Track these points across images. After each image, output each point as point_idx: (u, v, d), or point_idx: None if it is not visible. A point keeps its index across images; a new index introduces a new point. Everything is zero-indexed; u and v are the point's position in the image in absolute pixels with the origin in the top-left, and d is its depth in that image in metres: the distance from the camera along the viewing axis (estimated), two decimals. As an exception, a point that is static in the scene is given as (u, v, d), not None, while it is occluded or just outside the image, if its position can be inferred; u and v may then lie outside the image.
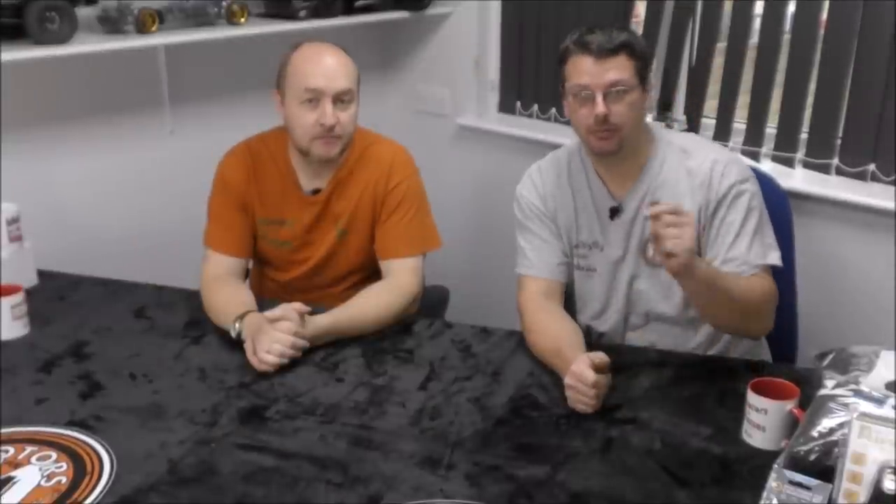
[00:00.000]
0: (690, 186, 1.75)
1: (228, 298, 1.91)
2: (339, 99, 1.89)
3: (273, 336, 1.72)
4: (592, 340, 1.87)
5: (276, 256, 2.10)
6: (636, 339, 1.89)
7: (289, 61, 1.92)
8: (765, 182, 1.91)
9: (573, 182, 1.87)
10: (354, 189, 2.02)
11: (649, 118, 1.94)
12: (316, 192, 2.02)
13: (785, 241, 1.90)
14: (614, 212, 1.82)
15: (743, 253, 1.72)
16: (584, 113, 1.72)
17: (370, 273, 2.08)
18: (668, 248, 1.51)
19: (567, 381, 1.56)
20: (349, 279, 2.11)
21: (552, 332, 1.74)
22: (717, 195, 1.73)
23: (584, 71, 1.69)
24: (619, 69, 1.69)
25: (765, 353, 1.92)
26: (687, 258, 1.52)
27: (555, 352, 1.68)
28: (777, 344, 1.95)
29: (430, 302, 2.31)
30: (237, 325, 1.80)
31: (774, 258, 1.75)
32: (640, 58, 1.72)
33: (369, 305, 1.90)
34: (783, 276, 1.89)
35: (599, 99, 1.69)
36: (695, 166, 1.76)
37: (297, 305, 1.76)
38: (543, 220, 1.88)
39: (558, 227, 1.88)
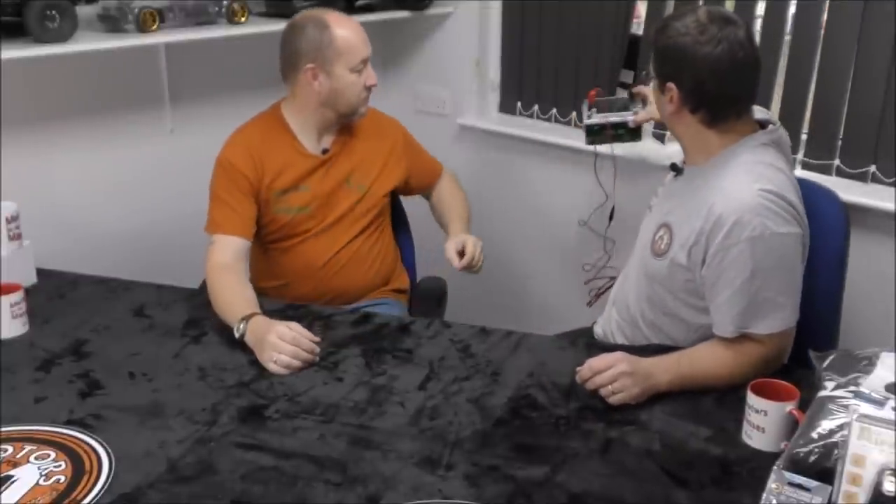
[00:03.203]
0: (703, 208, 1.67)
1: (236, 294, 1.92)
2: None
3: (277, 346, 1.73)
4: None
5: (298, 223, 2.14)
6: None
7: (332, 36, 2.02)
8: (820, 195, 1.86)
9: None
10: (362, 145, 2.19)
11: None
12: (325, 151, 2.14)
13: (836, 254, 1.87)
14: (676, 169, 1.84)
15: (727, 317, 1.66)
16: None
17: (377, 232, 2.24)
18: (614, 402, 1.58)
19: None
20: (357, 241, 2.20)
21: None
22: (719, 246, 1.63)
23: None
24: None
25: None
26: (639, 400, 1.59)
27: None
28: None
29: (430, 293, 2.33)
30: (241, 326, 1.81)
31: (763, 327, 1.64)
32: (656, 55, 1.71)
33: (464, 200, 2.35)
34: (830, 286, 1.87)
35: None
36: (714, 196, 1.65)
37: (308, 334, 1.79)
38: None
39: None
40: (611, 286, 2.12)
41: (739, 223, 1.60)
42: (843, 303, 1.92)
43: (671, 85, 1.68)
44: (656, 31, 1.72)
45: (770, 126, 1.75)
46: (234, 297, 1.91)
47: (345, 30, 2.03)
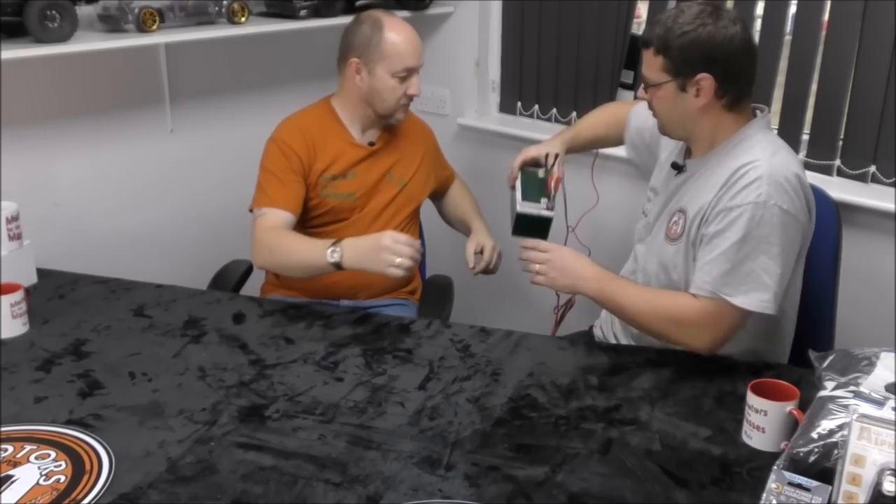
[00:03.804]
0: (719, 181, 1.70)
1: (305, 238, 2.06)
2: (418, 70, 2.19)
3: (396, 249, 1.89)
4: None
5: (343, 208, 2.21)
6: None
7: (381, 38, 2.10)
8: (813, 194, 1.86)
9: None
10: (403, 143, 2.29)
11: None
12: (371, 144, 2.24)
13: (829, 253, 1.91)
14: (677, 167, 1.84)
15: (707, 276, 1.68)
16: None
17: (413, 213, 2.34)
18: (533, 280, 1.80)
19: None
20: (403, 224, 2.29)
21: None
22: (724, 205, 1.67)
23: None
24: (646, 65, 1.74)
25: (780, 355, 1.90)
26: (551, 286, 1.81)
27: None
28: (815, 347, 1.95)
29: (439, 291, 2.36)
30: (337, 249, 1.93)
31: (743, 301, 1.65)
32: (674, 54, 1.67)
33: (472, 199, 2.45)
34: (824, 285, 1.90)
35: (642, 85, 1.78)
36: (733, 166, 1.69)
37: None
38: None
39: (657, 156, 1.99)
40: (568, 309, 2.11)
41: (749, 187, 1.64)
42: (838, 301, 1.92)
43: (704, 76, 1.67)
44: (663, 35, 1.68)
45: (758, 112, 1.78)
46: (304, 240, 2.04)
47: (397, 35, 2.12)
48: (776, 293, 1.66)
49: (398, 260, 1.88)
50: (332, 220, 2.22)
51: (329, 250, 1.94)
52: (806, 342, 1.89)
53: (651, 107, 1.79)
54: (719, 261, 1.66)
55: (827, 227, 1.89)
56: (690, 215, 1.75)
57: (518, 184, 1.94)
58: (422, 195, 2.34)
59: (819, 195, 1.90)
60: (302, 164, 2.15)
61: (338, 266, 1.94)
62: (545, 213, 1.88)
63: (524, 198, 1.89)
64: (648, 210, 1.92)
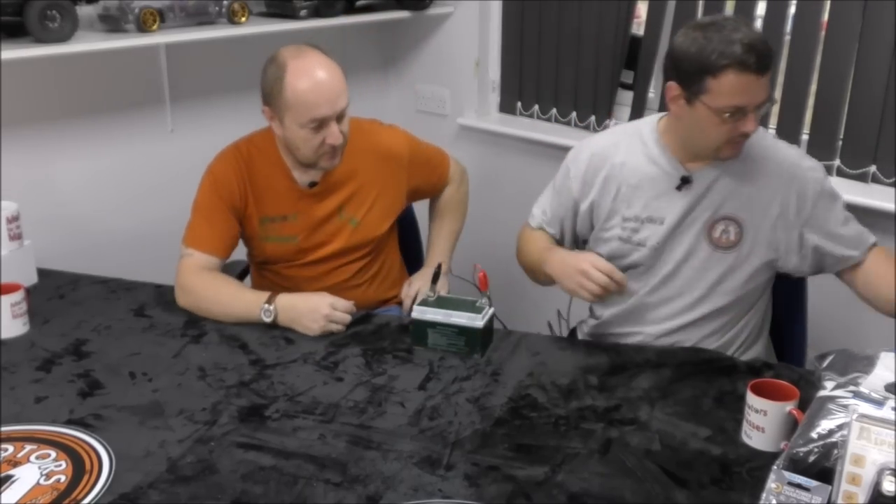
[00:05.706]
0: (766, 168, 1.76)
1: (237, 287, 1.99)
2: (340, 115, 1.91)
3: (335, 317, 1.87)
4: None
5: (284, 252, 2.09)
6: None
7: (283, 85, 1.87)
8: None
9: (650, 154, 1.84)
10: (357, 175, 2.07)
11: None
12: (313, 185, 2.04)
13: None
14: (685, 181, 1.79)
15: (860, 233, 1.81)
16: (728, 128, 1.67)
17: (378, 247, 2.17)
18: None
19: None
20: (353, 268, 2.14)
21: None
22: (814, 191, 1.76)
23: (745, 90, 1.63)
24: (768, 85, 1.68)
25: (769, 357, 1.92)
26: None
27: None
28: (786, 348, 1.98)
29: None
30: (270, 308, 1.88)
31: (871, 237, 1.82)
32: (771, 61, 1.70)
33: (459, 211, 2.32)
34: (794, 281, 1.91)
35: (752, 116, 1.66)
36: (772, 152, 1.78)
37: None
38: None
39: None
40: None
41: (813, 168, 1.79)
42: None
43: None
44: (767, 51, 1.63)
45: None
46: (236, 291, 1.96)
47: (303, 82, 1.86)
48: None
49: (335, 327, 1.87)
50: (278, 261, 2.10)
51: (263, 309, 1.87)
52: (782, 341, 1.92)
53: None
54: (850, 223, 1.80)
55: None
56: (754, 222, 1.77)
57: (440, 316, 1.80)
58: (380, 228, 2.12)
59: None
60: (234, 200, 2.00)
61: (273, 323, 1.88)
62: (491, 310, 1.82)
63: (466, 311, 1.79)
64: (645, 238, 1.83)
